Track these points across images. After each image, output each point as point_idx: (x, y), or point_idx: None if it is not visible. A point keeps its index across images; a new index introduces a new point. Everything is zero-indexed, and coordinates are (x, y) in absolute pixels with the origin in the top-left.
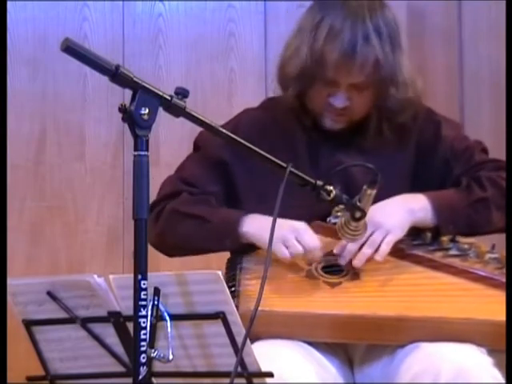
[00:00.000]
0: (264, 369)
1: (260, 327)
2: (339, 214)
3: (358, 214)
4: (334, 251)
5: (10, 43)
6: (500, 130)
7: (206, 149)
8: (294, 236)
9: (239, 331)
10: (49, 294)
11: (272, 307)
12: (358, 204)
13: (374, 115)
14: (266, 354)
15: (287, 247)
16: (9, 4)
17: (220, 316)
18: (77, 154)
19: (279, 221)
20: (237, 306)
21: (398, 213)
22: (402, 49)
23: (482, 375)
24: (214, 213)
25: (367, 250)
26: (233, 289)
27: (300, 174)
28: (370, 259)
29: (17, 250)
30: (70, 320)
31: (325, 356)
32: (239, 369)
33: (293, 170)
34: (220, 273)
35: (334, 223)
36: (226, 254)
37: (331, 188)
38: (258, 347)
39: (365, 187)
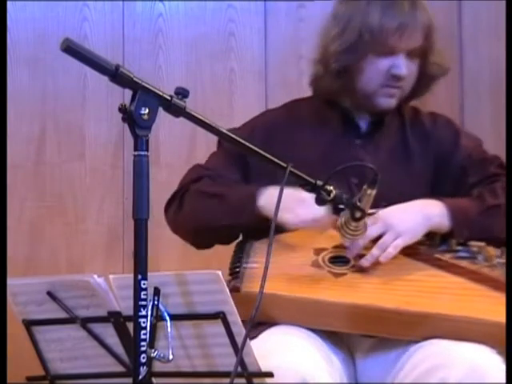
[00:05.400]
0: (276, 358)
1: (262, 310)
2: None
3: (358, 214)
4: (345, 243)
5: (10, 43)
6: (500, 130)
7: (226, 146)
8: (300, 205)
9: (239, 331)
10: (49, 294)
11: (275, 290)
12: (358, 204)
13: (401, 109)
14: (279, 343)
15: (295, 216)
16: (9, 4)
17: (220, 316)
18: (77, 153)
19: (287, 191)
20: (239, 287)
21: (414, 218)
22: None
23: (496, 374)
24: (233, 189)
25: (376, 252)
26: (237, 269)
27: (300, 173)
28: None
29: (17, 250)
30: (70, 320)
31: (331, 350)
32: (239, 369)
33: (293, 169)
34: (220, 273)
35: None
36: (226, 255)
37: (331, 188)
38: (269, 335)
39: (365, 187)
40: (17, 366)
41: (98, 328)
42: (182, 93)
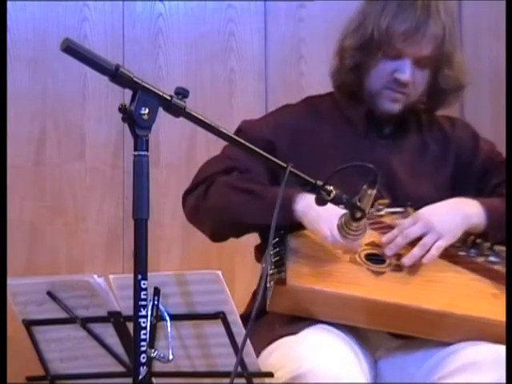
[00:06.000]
0: (315, 360)
1: (301, 304)
2: (381, 207)
3: (358, 214)
4: (383, 240)
5: (10, 43)
6: (500, 129)
7: (250, 132)
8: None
9: (239, 331)
10: (49, 294)
11: (316, 286)
12: (358, 204)
13: (418, 112)
14: (316, 344)
15: (330, 230)
16: (9, 4)
17: (220, 316)
18: (77, 153)
19: (332, 206)
20: (284, 280)
21: (454, 218)
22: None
23: None
24: (268, 189)
25: (418, 252)
26: (280, 263)
27: (300, 173)
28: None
29: (17, 250)
30: (70, 320)
31: (360, 351)
32: (239, 369)
33: (293, 169)
34: (220, 273)
35: (378, 215)
36: (226, 255)
37: (331, 188)
38: (306, 336)
39: (365, 187)
40: (17, 366)
41: (97, 328)
42: (182, 93)
